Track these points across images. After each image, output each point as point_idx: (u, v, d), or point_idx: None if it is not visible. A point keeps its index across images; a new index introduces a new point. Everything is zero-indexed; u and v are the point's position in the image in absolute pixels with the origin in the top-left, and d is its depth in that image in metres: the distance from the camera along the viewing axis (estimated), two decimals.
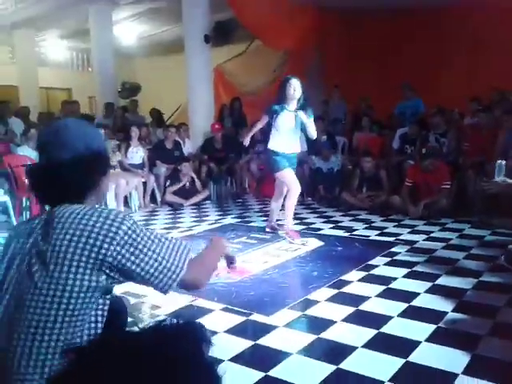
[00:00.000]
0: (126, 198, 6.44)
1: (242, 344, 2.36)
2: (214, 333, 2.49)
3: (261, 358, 2.22)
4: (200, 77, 8.00)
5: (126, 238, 1.23)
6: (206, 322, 2.65)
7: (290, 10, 8.20)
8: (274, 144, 4.52)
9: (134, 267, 1.25)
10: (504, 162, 3.08)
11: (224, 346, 2.33)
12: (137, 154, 6.74)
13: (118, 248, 1.22)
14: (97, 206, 1.33)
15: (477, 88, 6.90)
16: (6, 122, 6.93)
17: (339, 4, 8.22)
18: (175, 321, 1.29)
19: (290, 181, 4.53)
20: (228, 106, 8.57)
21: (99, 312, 1.26)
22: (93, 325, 1.25)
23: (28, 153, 6.04)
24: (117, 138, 6.96)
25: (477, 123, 5.93)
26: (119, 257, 1.22)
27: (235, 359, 2.21)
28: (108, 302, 1.29)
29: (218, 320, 2.69)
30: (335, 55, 9.05)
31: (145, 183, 6.58)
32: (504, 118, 5.31)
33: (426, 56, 8.29)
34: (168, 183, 6.68)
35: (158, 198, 6.76)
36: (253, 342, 2.38)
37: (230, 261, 1.73)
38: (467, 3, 7.39)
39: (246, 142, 4.91)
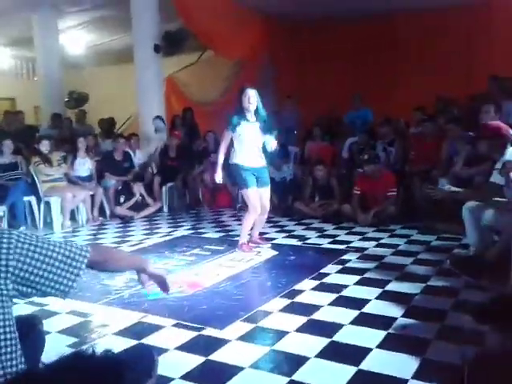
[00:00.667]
0: (72, 211, 6.20)
1: (194, 360, 2.30)
2: (165, 350, 2.42)
3: (212, 374, 2.17)
4: (151, 86, 7.89)
5: (11, 251, 1.21)
6: (156, 338, 2.58)
7: (238, 18, 8.26)
8: (239, 158, 4.38)
9: (33, 279, 1.23)
10: (444, 180, 3.40)
11: (175, 364, 2.26)
12: (84, 165, 6.52)
13: (17, 257, 1.21)
14: None
15: (422, 97, 7.18)
16: None
17: (285, 12, 8.35)
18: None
19: (251, 202, 4.42)
20: (180, 116, 8.48)
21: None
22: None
23: None
24: (63, 150, 6.71)
25: (421, 132, 6.15)
26: (17, 271, 1.21)
27: (186, 376, 2.14)
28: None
29: (169, 336, 2.61)
30: (285, 64, 9.19)
31: (93, 196, 6.36)
32: (447, 126, 5.54)
33: (375, 64, 8.59)
34: (123, 199, 6.48)
35: (107, 212, 6.56)
36: (204, 358, 2.31)
37: (162, 285, 1.65)
38: (415, 9, 7.69)
39: (218, 176, 4.57)
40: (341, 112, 7.96)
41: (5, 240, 1.20)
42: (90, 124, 9.35)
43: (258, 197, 4.44)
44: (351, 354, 2.30)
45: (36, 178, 6.12)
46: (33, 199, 6.05)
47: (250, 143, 4.35)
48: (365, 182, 5.64)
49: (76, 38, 10.95)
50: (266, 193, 4.56)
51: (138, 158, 7.42)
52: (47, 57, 9.62)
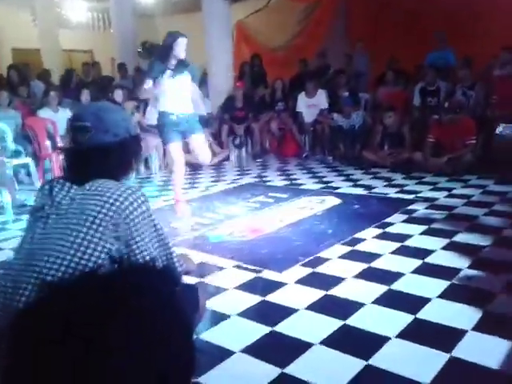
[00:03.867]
0: (146, 158, 6.48)
1: (251, 300, 2.38)
2: (224, 289, 2.52)
3: (268, 314, 2.23)
4: (219, 34, 7.79)
5: (141, 217, 1.30)
6: (216, 278, 2.69)
7: None
8: (161, 105, 4.03)
9: (136, 247, 1.30)
10: None
11: (233, 302, 2.36)
12: (155, 114, 6.69)
13: (132, 223, 1.28)
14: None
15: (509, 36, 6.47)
16: (28, 85, 6.98)
17: None
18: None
19: (173, 157, 4.06)
20: (248, 63, 8.37)
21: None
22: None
23: (48, 115, 6.10)
24: (135, 99, 6.91)
25: (507, 74, 5.61)
26: (128, 232, 1.29)
27: (242, 314, 2.23)
28: None
29: (228, 277, 2.71)
30: (359, 6, 8.64)
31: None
32: None
33: (457, 4, 7.82)
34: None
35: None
36: (261, 298, 2.39)
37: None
38: None
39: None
40: (418, 55, 7.41)
41: (144, 207, 1.31)
42: None
43: (180, 150, 4.04)
44: (409, 303, 2.26)
45: None
46: None
47: (176, 92, 3.92)
48: (440, 130, 5.31)
49: None
50: (197, 140, 4.07)
51: (207, 106, 7.48)
52: (120, 8, 9.83)
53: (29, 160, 5.38)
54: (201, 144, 4.13)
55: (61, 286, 1.19)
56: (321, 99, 7.15)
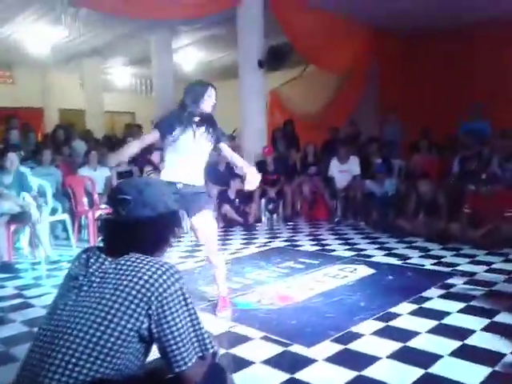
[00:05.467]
0: None
1: (279, 377, 2.27)
2: (251, 363, 2.43)
3: None
4: (253, 101, 8.07)
5: (174, 296, 1.27)
6: (243, 350, 2.60)
7: (346, 32, 8.16)
8: (165, 170, 3.13)
9: (166, 327, 1.26)
10: None
11: (260, 378, 2.26)
12: None
13: (164, 302, 1.26)
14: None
15: None
16: (70, 145, 7.32)
17: (396, 24, 8.06)
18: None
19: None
20: (280, 129, 8.58)
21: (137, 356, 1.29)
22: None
23: (88, 173, 6.33)
24: None
25: None
26: (160, 311, 1.25)
27: None
28: (143, 350, 1.30)
29: (256, 349, 2.61)
30: (391, 75, 8.86)
31: None
32: None
33: (490, 75, 7.91)
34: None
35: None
36: (290, 376, 2.28)
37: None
38: None
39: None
40: (450, 125, 7.44)
41: (177, 285, 1.29)
42: None
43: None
44: None
45: None
46: None
47: (190, 156, 3.04)
48: (477, 200, 5.19)
49: (187, 55, 11.67)
50: (199, 220, 3.09)
51: (239, 170, 7.62)
52: (162, 74, 10.43)
53: (66, 216, 5.53)
54: (206, 226, 3.11)
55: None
56: (353, 165, 7.19)
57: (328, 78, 9.91)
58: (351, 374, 2.27)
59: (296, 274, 4.14)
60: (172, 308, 1.25)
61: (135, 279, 1.27)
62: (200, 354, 1.28)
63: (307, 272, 4.21)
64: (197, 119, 3.02)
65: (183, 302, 1.28)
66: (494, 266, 4.25)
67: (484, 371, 2.26)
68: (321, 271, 4.23)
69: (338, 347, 2.59)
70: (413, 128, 7.79)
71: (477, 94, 7.49)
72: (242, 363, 2.43)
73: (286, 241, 5.72)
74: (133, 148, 3.08)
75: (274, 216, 7.26)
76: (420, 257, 4.71)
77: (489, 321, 2.91)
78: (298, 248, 5.31)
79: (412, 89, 8.35)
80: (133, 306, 1.23)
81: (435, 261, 4.52)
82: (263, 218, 7.11)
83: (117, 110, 14.08)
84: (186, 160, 3.02)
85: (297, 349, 2.59)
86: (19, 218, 4.68)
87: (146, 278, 1.27)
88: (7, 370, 2.47)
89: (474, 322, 2.89)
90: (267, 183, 7.23)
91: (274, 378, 2.26)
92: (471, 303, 3.27)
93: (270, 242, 5.67)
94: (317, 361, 2.44)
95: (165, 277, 1.28)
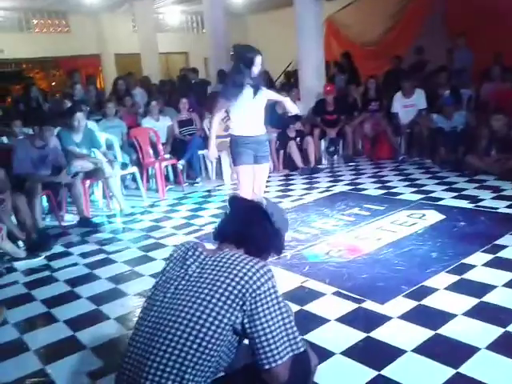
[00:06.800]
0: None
1: (354, 336, 2.34)
2: (326, 320, 2.51)
3: (373, 354, 2.18)
4: (310, 32, 7.67)
5: (267, 293, 1.33)
6: (317, 307, 2.68)
7: None
8: (237, 129, 3.71)
9: (259, 324, 1.31)
10: None
11: (335, 337, 2.34)
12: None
13: (258, 298, 1.32)
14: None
15: None
16: (131, 94, 7.43)
17: None
18: None
19: (240, 181, 3.76)
20: (338, 62, 8.18)
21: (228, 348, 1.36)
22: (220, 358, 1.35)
23: (151, 124, 6.45)
24: None
25: None
26: (254, 307, 1.31)
27: (346, 353, 2.20)
28: (236, 344, 1.38)
29: (329, 306, 2.69)
30: None
31: None
32: None
33: None
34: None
35: (270, 164, 6.80)
36: (365, 335, 2.34)
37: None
38: None
39: (213, 154, 3.89)
40: None
41: (270, 283, 1.35)
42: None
43: (250, 175, 3.72)
44: None
45: (208, 134, 6.62)
46: (206, 153, 6.60)
47: (254, 114, 3.67)
48: None
49: None
50: (261, 171, 3.79)
51: (299, 109, 7.45)
52: (213, 9, 10.15)
53: (135, 169, 5.74)
54: (263, 176, 3.84)
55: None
56: (419, 99, 6.81)
57: (388, 0, 9.21)
58: (428, 333, 2.30)
59: (362, 222, 4.12)
60: (265, 305, 1.31)
61: (231, 275, 1.33)
62: (291, 354, 1.33)
63: (374, 220, 4.17)
64: (251, 81, 3.58)
65: (275, 301, 1.33)
66: None
67: None
68: (388, 218, 4.18)
69: (412, 303, 2.61)
70: (484, 54, 7.14)
71: None
72: (317, 321, 2.52)
73: (348, 184, 5.64)
74: (215, 126, 3.78)
75: (335, 157, 7.14)
76: (492, 198, 4.52)
77: None
78: (361, 192, 5.24)
79: (482, 10, 7.55)
80: (229, 302, 1.30)
81: (509, 202, 4.33)
82: (323, 160, 7.02)
83: (171, 50, 13.97)
84: (249, 116, 3.67)
85: (370, 305, 2.64)
86: (93, 175, 4.92)
87: (241, 274, 1.33)
88: (104, 327, 2.72)
89: None
90: (327, 124, 7.05)
91: (351, 336, 2.34)
92: None
93: (332, 186, 5.62)
94: (391, 318, 2.48)
95: (259, 274, 1.34)
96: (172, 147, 6.49)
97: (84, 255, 3.95)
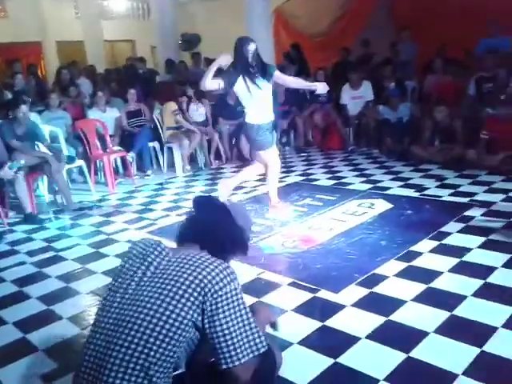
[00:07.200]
0: (192, 155, 6.57)
1: (310, 325, 2.40)
2: (283, 311, 2.55)
3: (329, 342, 2.25)
4: (259, 21, 7.69)
5: (228, 295, 1.33)
6: (273, 297, 2.72)
7: None
8: (254, 118, 4.03)
9: (218, 324, 1.31)
10: None
11: (292, 327, 2.38)
12: (197, 111, 6.74)
13: (219, 299, 1.32)
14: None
15: None
16: (75, 84, 7.14)
17: None
18: None
19: (274, 161, 4.23)
20: (287, 53, 8.23)
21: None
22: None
23: (97, 115, 6.25)
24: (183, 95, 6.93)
25: None
26: (214, 308, 1.31)
27: (303, 342, 2.26)
28: (196, 341, 1.37)
29: (285, 296, 2.74)
30: None
31: (209, 141, 6.62)
32: None
33: None
34: (234, 141, 6.66)
35: (223, 155, 6.80)
36: (321, 324, 2.40)
37: (273, 326, 1.70)
38: None
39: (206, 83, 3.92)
40: (467, 43, 7.07)
41: (233, 285, 1.35)
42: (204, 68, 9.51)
43: (277, 153, 4.36)
44: (474, 333, 2.22)
45: (159, 125, 6.50)
46: (157, 145, 6.49)
47: (264, 102, 4.01)
48: (496, 125, 5.10)
49: None
50: (273, 150, 4.27)
51: None
52: None
53: (82, 162, 5.55)
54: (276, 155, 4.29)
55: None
56: (366, 91, 7.00)
57: None
58: (380, 320, 2.39)
59: (315, 213, 4.21)
60: (225, 306, 1.31)
61: (195, 273, 1.33)
62: (251, 355, 1.33)
63: (326, 210, 4.27)
64: (253, 71, 3.86)
65: (236, 302, 1.33)
66: (511, 193, 4.27)
67: (508, 311, 2.36)
68: (339, 208, 4.29)
69: (364, 291, 2.71)
70: (429, 47, 7.42)
71: (497, 7, 7.03)
72: (274, 312, 2.54)
73: (301, 175, 5.73)
74: (212, 72, 3.88)
75: (287, 148, 7.22)
76: (436, 187, 4.74)
77: (509, 256, 2.98)
78: (314, 182, 5.34)
79: (429, 4, 7.83)
80: (192, 299, 1.30)
81: (452, 190, 4.55)
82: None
83: (116, 38, 13.52)
84: (261, 104, 3.98)
85: (325, 294, 2.71)
86: (38, 169, 4.71)
87: (204, 273, 1.33)
88: (56, 327, 2.63)
89: (495, 258, 2.97)
90: (278, 115, 7.09)
91: (307, 326, 2.39)
92: (490, 237, 3.33)
93: (285, 176, 5.67)
94: (345, 306, 2.56)
95: (222, 275, 1.34)
96: (121, 139, 6.33)
97: (31, 253, 3.79)
